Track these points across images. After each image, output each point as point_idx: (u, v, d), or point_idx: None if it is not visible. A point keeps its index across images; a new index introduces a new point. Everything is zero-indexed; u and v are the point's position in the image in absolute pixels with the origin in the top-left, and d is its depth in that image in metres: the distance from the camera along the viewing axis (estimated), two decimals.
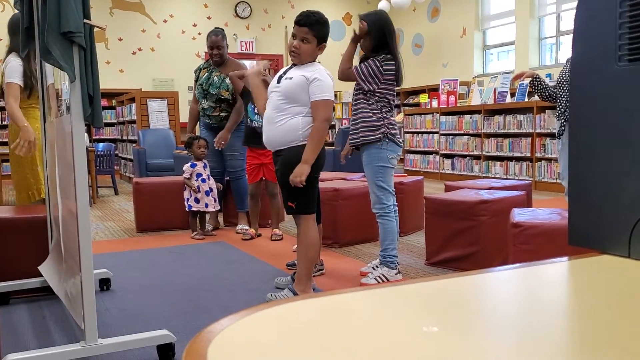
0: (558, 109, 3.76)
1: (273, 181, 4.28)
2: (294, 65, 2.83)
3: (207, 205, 4.57)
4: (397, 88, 3.20)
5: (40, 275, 2.83)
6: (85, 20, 2.02)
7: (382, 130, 3.05)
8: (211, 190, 4.59)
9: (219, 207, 4.76)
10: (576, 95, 1.00)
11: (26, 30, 2.63)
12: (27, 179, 3.59)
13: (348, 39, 12.46)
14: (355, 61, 3.17)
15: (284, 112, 2.72)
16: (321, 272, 3.42)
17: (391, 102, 3.13)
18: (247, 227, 4.72)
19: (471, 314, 0.72)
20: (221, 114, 4.72)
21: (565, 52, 9.48)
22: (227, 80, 4.66)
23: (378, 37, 3.06)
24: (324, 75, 2.72)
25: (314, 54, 2.78)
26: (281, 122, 2.72)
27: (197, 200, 4.54)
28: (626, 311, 0.72)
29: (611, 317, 0.70)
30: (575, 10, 1.02)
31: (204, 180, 4.55)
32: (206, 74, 4.76)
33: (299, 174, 2.64)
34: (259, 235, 4.55)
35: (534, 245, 2.51)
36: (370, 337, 0.64)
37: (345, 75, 3.11)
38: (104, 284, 3.13)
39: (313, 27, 2.72)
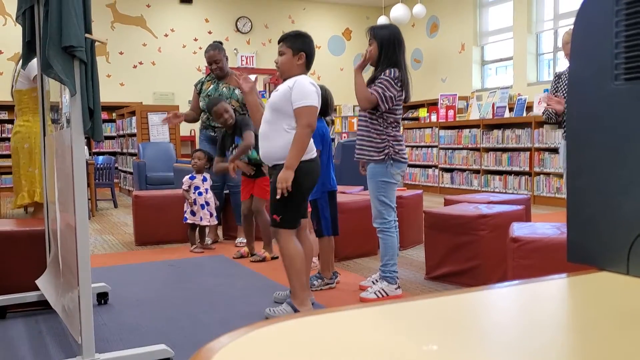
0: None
1: (258, 197, 4.16)
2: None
3: (202, 219, 4.54)
4: (404, 104, 3.22)
5: (38, 289, 2.81)
6: (86, 35, 2.04)
7: (386, 151, 3.07)
8: (208, 204, 4.56)
9: (216, 222, 4.72)
10: (573, 112, 1.01)
11: (27, 44, 2.65)
12: (19, 181, 3.60)
13: (348, 54, 12.42)
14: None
15: (273, 125, 2.76)
16: (330, 285, 3.41)
17: (398, 118, 3.15)
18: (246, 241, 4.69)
19: (471, 332, 0.72)
20: None
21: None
22: (237, 91, 4.68)
23: (389, 53, 3.07)
24: (304, 82, 2.73)
25: (293, 63, 2.80)
26: (272, 136, 2.75)
27: (193, 213, 4.53)
28: (625, 329, 0.72)
29: (610, 335, 0.70)
30: (572, 27, 1.03)
31: (200, 194, 4.54)
32: (212, 85, 4.79)
33: (283, 179, 2.62)
34: (253, 255, 4.26)
35: (533, 260, 2.51)
36: (370, 356, 0.64)
37: (370, 102, 3.04)
38: (102, 297, 3.12)
39: (286, 40, 2.84)
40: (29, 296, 2.88)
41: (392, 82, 3.02)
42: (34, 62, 3.41)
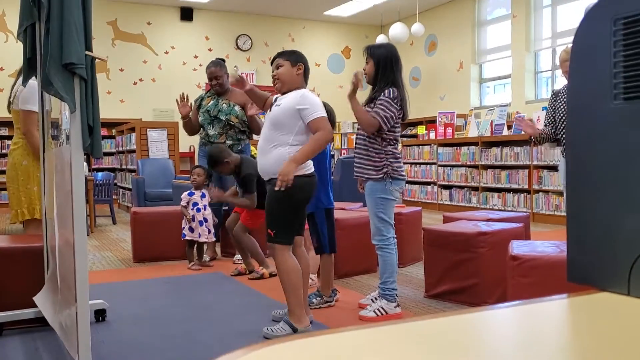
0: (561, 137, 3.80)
1: (242, 221, 4.18)
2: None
3: (199, 236, 4.52)
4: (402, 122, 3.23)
5: (35, 305, 2.79)
6: (87, 52, 2.05)
7: (385, 170, 3.07)
8: (206, 220, 4.54)
9: (214, 239, 4.70)
10: (573, 132, 1.01)
11: (28, 61, 2.66)
12: (18, 197, 3.57)
13: (347, 71, 12.54)
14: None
15: (272, 141, 2.77)
16: (329, 303, 3.38)
17: (397, 135, 3.16)
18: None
19: (470, 354, 0.71)
20: (226, 142, 4.75)
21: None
22: (237, 108, 4.74)
23: (386, 72, 3.09)
24: (313, 96, 2.81)
25: (292, 73, 2.85)
26: (270, 151, 2.76)
27: (191, 230, 4.51)
28: (626, 352, 0.71)
29: (612, 358, 0.70)
30: (569, 45, 1.04)
31: (199, 210, 4.52)
32: (212, 101, 4.83)
33: (285, 172, 2.63)
34: (251, 272, 4.21)
35: (532, 278, 2.49)
36: None
37: (373, 127, 3.04)
38: (100, 314, 3.09)
39: (282, 55, 2.91)
40: (26, 313, 2.86)
41: (392, 102, 3.03)
42: (26, 93, 3.36)
